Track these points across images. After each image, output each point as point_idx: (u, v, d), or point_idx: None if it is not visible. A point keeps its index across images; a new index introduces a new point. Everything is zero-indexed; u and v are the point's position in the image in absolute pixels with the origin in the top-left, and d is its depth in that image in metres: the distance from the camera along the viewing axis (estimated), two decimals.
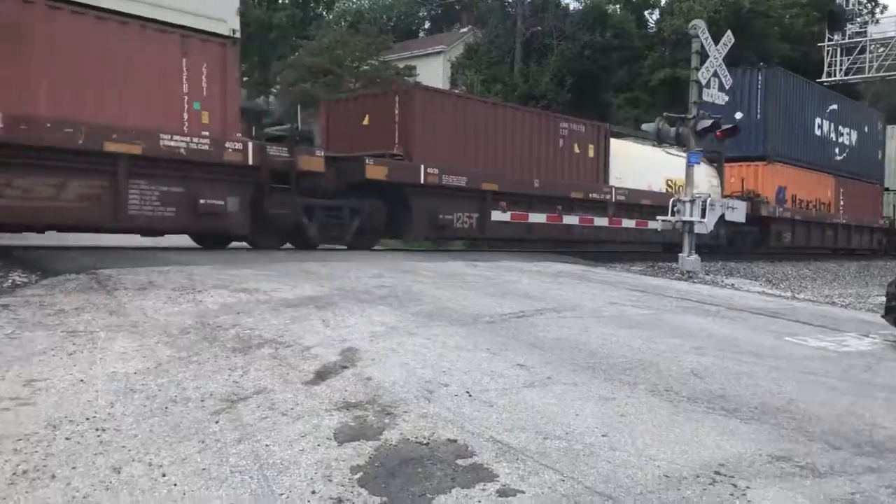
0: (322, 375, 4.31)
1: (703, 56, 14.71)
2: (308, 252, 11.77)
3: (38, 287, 6.65)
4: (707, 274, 14.14)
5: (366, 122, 14.40)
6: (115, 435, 3.30)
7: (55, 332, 4.94)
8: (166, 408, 3.67)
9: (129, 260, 8.46)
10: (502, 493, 2.93)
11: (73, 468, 2.97)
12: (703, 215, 14.36)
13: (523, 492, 2.95)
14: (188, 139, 10.17)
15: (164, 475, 2.97)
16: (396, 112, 13.92)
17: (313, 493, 2.88)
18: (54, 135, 8.99)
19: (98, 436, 3.28)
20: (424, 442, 3.40)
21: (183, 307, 5.89)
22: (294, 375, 4.29)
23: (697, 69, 14.67)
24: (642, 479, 3.12)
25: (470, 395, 4.10)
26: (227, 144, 10.58)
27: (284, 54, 36.01)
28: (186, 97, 10.34)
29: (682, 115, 14.88)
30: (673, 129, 14.81)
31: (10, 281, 7.00)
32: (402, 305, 6.72)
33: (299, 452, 3.22)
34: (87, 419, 3.46)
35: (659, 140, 15.22)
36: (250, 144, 10.93)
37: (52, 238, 10.08)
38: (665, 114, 14.99)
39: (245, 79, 31.72)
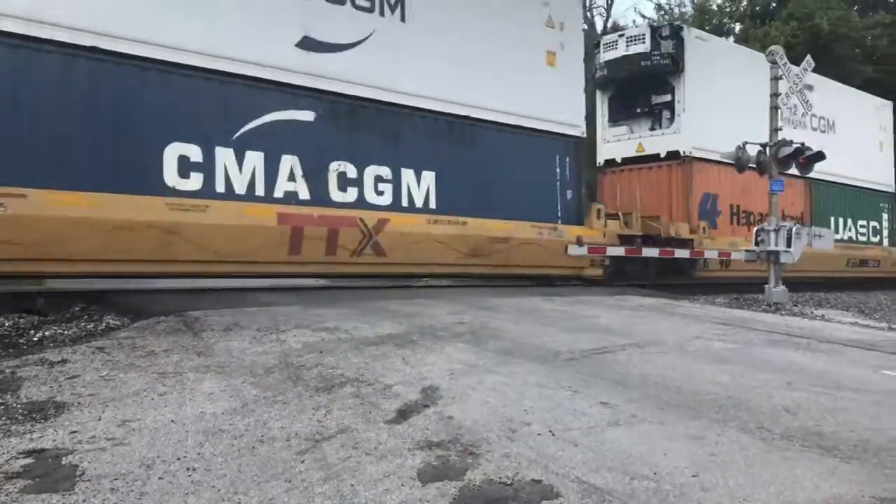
0: (404, 414, 4.33)
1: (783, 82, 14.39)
2: (388, 290, 11.91)
3: (130, 329, 6.91)
4: (795, 305, 13.63)
5: None
6: (206, 475, 3.38)
7: (146, 373, 5.11)
8: (253, 448, 3.74)
9: (216, 301, 8.72)
10: None
11: None
12: (788, 244, 13.91)
13: None
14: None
15: None
16: None
17: None
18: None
19: (189, 475, 3.36)
20: (508, 482, 3.35)
21: (267, 347, 6.02)
22: (376, 414, 4.31)
23: (777, 95, 14.34)
24: None
25: (553, 434, 4.04)
26: None
27: None
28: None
29: (764, 143, 14.53)
30: (754, 156, 14.46)
31: (104, 324, 7.30)
32: (480, 342, 6.70)
33: (384, 492, 3.23)
34: (179, 459, 3.55)
35: (739, 167, 14.85)
36: None
37: (143, 281, 10.49)
38: (745, 141, 14.64)
39: None
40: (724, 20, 41.97)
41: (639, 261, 15.56)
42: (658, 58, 17.13)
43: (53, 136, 8.64)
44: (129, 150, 9.16)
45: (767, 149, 14.36)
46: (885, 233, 24.07)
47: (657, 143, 17.78)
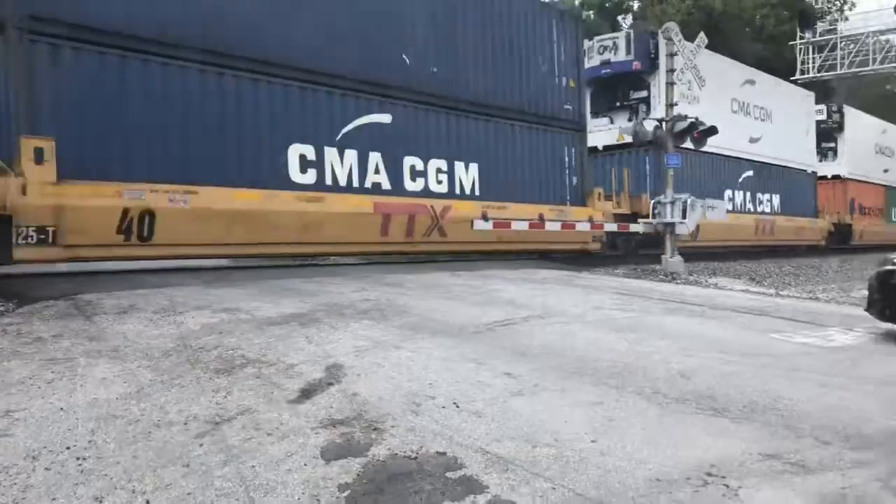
0: (307, 393, 4.26)
1: (678, 59, 14.83)
2: (290, 269, 11.72)
3: (15, 315, 6.53)
4: (690, 274, 14.19)
5: None
6: (97, 463, 3.24)
7: (33, 360, 4.85)
8: (149, 433, 3.60)
9: (110, 284, 8.36)
10: None
11: (53, 500, 2.90)
12: (684, 216, 14.43)
13: (514, 502, 2.91)
14: None
15: (147, 502, 2.91)
16: None
17: None
18: None
19: (79, 465, 3.21)
20: (413, 456, 3.35)
21: (164, 329, 5.82)
22: (279, 394, 4.23)
23: (672, 71, 14.78)
24: (633, 484, 3.09)
25: (457, 407, 4.06)
26: None
27: None
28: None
29: (661, 118, 14.97)
30: (651, 131, 14.89)
31: None
32: (387, 319, 6.68)
33: (286, 472, 3.17)
34: (68, 448, 3.38)
35: (637, 142, 15.29)
36: None
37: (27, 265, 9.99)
38: (643, 116, 15.05)
39: None
40: None
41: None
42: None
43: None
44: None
45: (664, 124, 14.81)
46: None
47: None
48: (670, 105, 14.87)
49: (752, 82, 24.10)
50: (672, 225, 14.52)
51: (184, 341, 5.44)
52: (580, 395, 4.38)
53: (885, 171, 33.63)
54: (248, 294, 7.81)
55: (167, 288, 8.06)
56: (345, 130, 12.02)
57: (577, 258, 15.63)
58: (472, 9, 14.03)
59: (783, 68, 32.73)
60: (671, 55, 14.82)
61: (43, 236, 8.69)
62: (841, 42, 33.89)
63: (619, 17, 43.11)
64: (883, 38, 33.51)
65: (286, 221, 10.80)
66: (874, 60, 33.40)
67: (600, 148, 20.17)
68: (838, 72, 34.36)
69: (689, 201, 14.60)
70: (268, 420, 3.80)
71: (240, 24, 10.68)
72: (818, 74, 34.47)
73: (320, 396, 4.21)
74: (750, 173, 23.60)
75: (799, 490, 3.06)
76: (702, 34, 15.51)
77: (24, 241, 8.62)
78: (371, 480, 3.11)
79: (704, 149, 19.58)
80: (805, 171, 27.05)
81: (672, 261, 14.41)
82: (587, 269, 13.96)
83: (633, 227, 16.27)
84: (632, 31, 21.13)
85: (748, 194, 23.62)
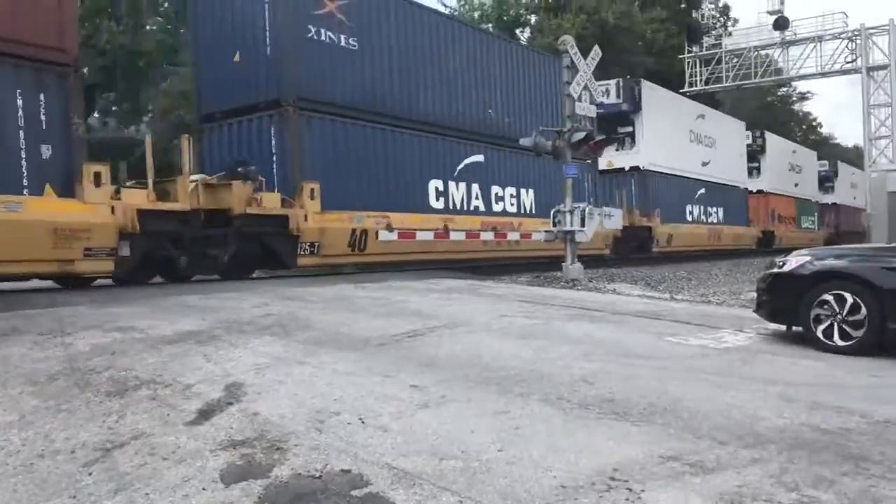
0: (205, 414, 4.10)
1: (574, 71, 15.21)
2: (185, 285, 11.33)
3: None
4: (590, 281, 14.52)
5: None
6: None
7: None
8: (31, 464, 3.38)
9: None
10: None
11: None
12: (582, 224, 14.78)
13: None
14: None
15: None
16: None
17: None
18: None
19: None
20: (317, 475, 3.26)
21: (50, 352, 5.49)
22: (175, 416, 4.05)
23: (569, 83, 15.14)
24: (539, 492, 3.10)
25: (363, 422, 3.99)
26: None
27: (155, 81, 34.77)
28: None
29: (558, 129, 15.30)
30: (549, 142, 15.19)
31: None
32: (289, 334, 6.53)
33: (182, 498, 3.03)
34: None
35: (537, 153, 15.58)
36: None
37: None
38: (540, 127, 15.37)
39: (114, 108, 30.37)
40: (521, 11, 43.85)
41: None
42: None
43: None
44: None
45: (562, 135, 15.14)
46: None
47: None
48: (568, 116, 15.22)
49: (702, 116, 29.94)
50: (572, 233, 14.84)
51: (72, 363, 5.15)
52: (487, 405, 4.39)
53: (796, 185, 39.76)
54: (141, 312, 7.49)
55: (55, 308, 7.64)
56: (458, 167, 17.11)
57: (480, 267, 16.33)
58: (524, 72, 19.59)
59: (673, 80, 34.12)
60: (568, 68, 15.19)
61: (312, 249, 13.16)
62: (725, 56, 35.62)
63: (517, 31, 43.93)
64: (763, 52, 35.37)
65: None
66: (756, 74, 35.24)
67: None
68: (724, 84, 36.09)
69: (587, 210, 14.97)
70: (163, 444, 3.63)
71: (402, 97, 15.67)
72: (705, 87, 36.09)
73: (219, 417, 4.05)
74: (703, 191, 29.08)
75: (698, 490, 3.14)
76: (596, 47, 15.97)
77: (302, 253, 12.99)
78: (274, 502, 3.00)
79: (672, 172, 26.42)
80: (739, 187, 32.89)
81: (572, 267, 14.72)
82: (492, 278, 14.10)
83: (536, 236, 16.61)
84: (621, 80, 25.53)
85: (702, 208, 29.07)
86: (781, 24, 33.42)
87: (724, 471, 3.38)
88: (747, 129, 35.77)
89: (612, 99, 24.79)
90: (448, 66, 16.96)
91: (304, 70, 13.45)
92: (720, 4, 50.78)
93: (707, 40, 37.42)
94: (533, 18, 43.70)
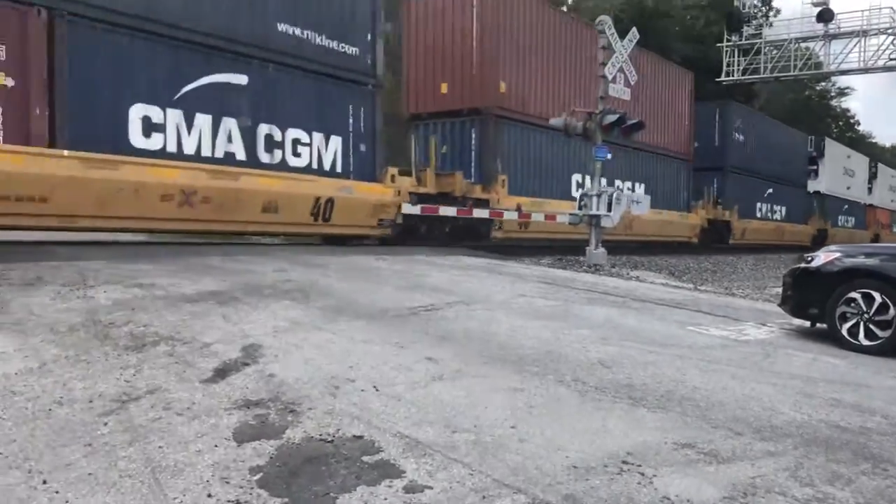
0: (222, 373, 4.12)
1: (610, 52, 14.99)
2: (208, 246, 11.40)
3: None
4: (613, 266, 14.42)
5: None
6: None
7: None
8: (49, 410, 3.41)
9: (18, 255, 7.94)
10: (409, 489, 2.84)
11: None
12: (609, 209, 14.63)
13: (431, 487, 2.86)
14: None
15: (44, 482, 2.74)
16: None
17: (209, 496, 2.71)
18: None
19: None
20: (329, 439, 3.27)
21: (72, 304, 5.54)
22: (191, 373, 4.08)
23: (604, 64, 14.93)
24: (551, 471, 3.08)
25: (377, 390, 3.99)
26: None
27: None
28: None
29: (590, 111, 15.12)
30: (580, 124, 15.02)
31: None
32: (308, 300, 6.54)
33: (195, 454, 3.04)
34: None
35: (567, 134, 15.41)
36: None
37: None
38: (573, 108, 15.19)
39: None
40: None
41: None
42: None
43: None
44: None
45: (593, 117, 14.95)
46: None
47: None
48: (601, 98, 15.02)
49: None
50: (598, 217, 14.70)
51: (93, 316, 5.20)
52: (501, 382, 4.37)
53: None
54: (162, 270, 7.53)
55: (79, 261, 7.71)
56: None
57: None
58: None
59: (710, 69, 33.55)
60: (604, 48, 14.97)
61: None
62: (765, 47, 34.92)
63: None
64: (804, 45, 34.63)
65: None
66: (795, 67, 34.54)
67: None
68: (761, 75, 35.43)
69: (615, 195, 14.82)
70: (178, 399, 3.65)
71: None
72: (742, 77, 35.47)
73: (235, 377, 4.07)
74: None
75: (711, 479, 3.10)
76: (634, 29, 15.69)
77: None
78: (285, 463, 3.01)
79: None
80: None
81: (596, 252, 14.60)
82: (514, 259, 14.04)
83: (560, 218, 16.46)
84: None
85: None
86: (826, 16, 32.59)
87: (738, 461, 3.33)
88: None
89: None
90: None
91: None
92: None
93: (747, 30, 36.75)
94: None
